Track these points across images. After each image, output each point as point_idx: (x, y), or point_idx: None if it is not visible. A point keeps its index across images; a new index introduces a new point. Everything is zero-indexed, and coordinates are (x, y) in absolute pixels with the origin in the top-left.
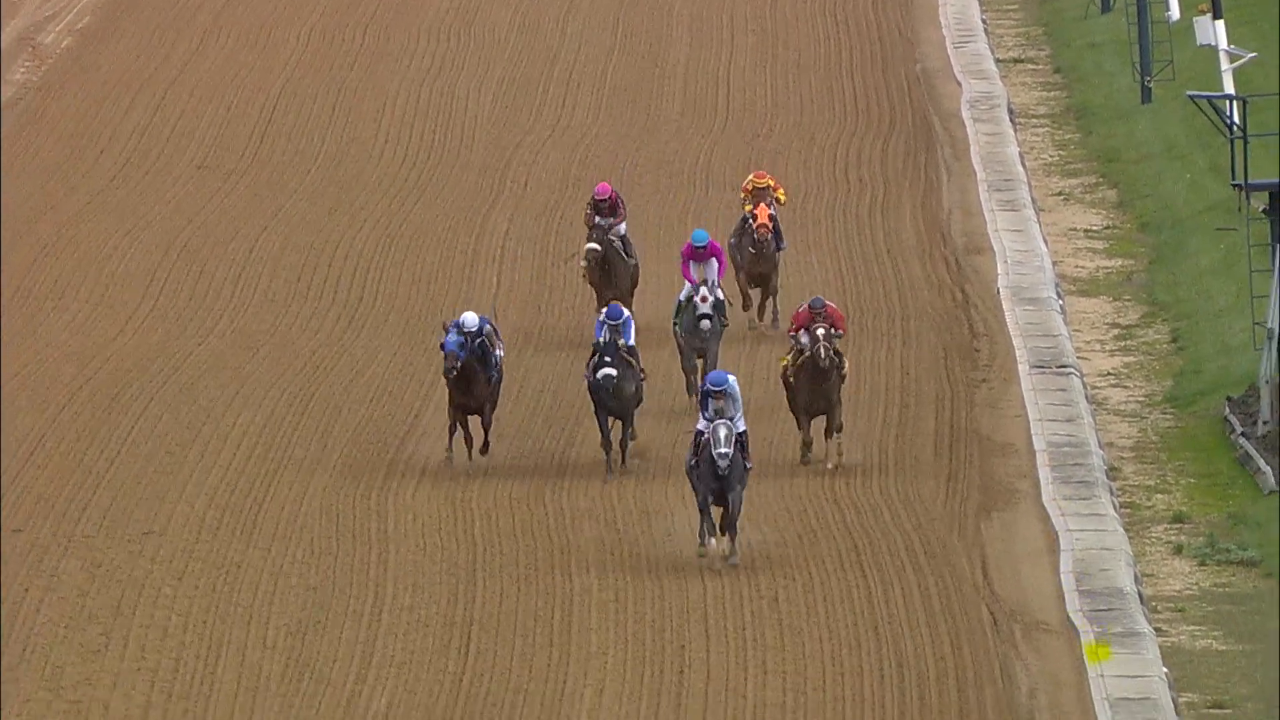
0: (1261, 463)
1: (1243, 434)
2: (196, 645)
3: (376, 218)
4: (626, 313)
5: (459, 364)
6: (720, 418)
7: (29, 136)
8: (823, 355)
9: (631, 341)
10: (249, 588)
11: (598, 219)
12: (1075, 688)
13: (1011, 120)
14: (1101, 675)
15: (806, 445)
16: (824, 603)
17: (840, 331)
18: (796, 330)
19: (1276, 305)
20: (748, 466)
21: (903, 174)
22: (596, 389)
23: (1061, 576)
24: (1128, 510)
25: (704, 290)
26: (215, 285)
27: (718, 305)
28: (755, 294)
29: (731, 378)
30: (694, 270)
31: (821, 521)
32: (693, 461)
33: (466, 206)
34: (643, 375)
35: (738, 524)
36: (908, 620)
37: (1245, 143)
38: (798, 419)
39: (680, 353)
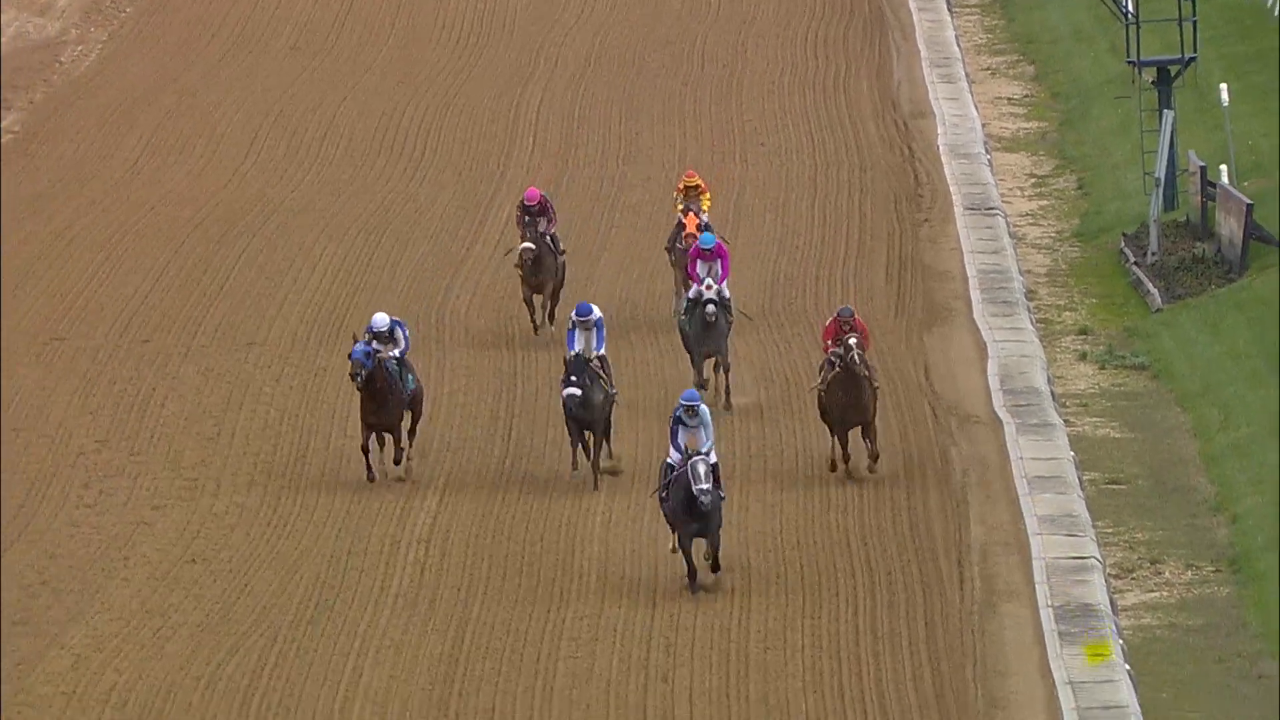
0: (1150, 286)
1: (1135, 263)
2: (291, 434)
3: (435, 90)
4: (597, 311)
5: (363, 371)
6: (693, 447)
7: (157, 21)
8: (856, 363)
9: (603, 346)
10: (333, 387)
11: (529, 221)
12: (999, 468)
13: (949, 9)
14: (1021, 458)
15: (842, 459)
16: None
17: (867, 346)
18: (828, 342)
19: (1162, 159)
20: (721, 497)
21: (860, 53)
22: (568, 406)
23: (989, 378)
24: (1042, 325)
25: (709, 281)
26: (305, 144)
27: (723, 305)
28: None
29: (704, 405)
30: (701, 269)
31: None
32: (663, 494)
33: (507, 81)
34: (614, 391)
35: (719, 558)
36: None
37: (1138, 27)
38: (833, 433)
39: (689, 353)
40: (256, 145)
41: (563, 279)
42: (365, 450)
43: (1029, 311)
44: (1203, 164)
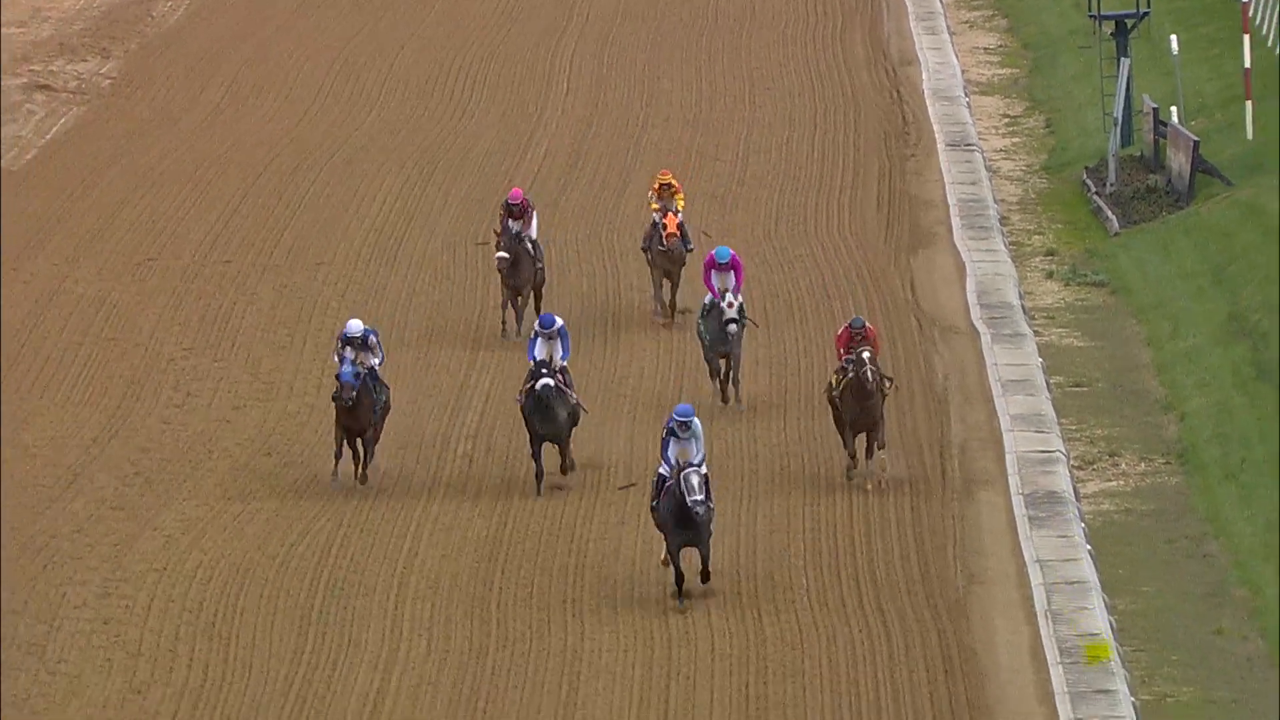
0: (1109, 213)
1: (1095, 193)
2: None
3: (481, 41)
4: (559, 321)
5: (353, 394)
6: (684, 457)
7: None
8: (870, 379)
9: (567, 356)
10: (391, 302)
11: (509, 221)
12: (976, 373)
13: None
14: (995, 364)
15: (853, 458)
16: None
17: (878, 354)
18: (841, 350)
19: (1119, 101)
20: (711, 509)
21: (855, 10)
22: (530, 413)
23: (967, 294)
24: (1014, 247)
25: (729, 297)
26: (366, 89)
27: (741, 311)
28: (665, 287)
29: (696, 419)
30: (715, 280)
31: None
32: (655, 504)
33: (544, 33)
34: (582, 406)
35: (709, 569)
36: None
37: None
38: (843, 436)
39: (704, 352)
40: (323, 90)
41: (542, 280)
42: (337, 455)
43: (1003, 235)
44: (1155, 106)
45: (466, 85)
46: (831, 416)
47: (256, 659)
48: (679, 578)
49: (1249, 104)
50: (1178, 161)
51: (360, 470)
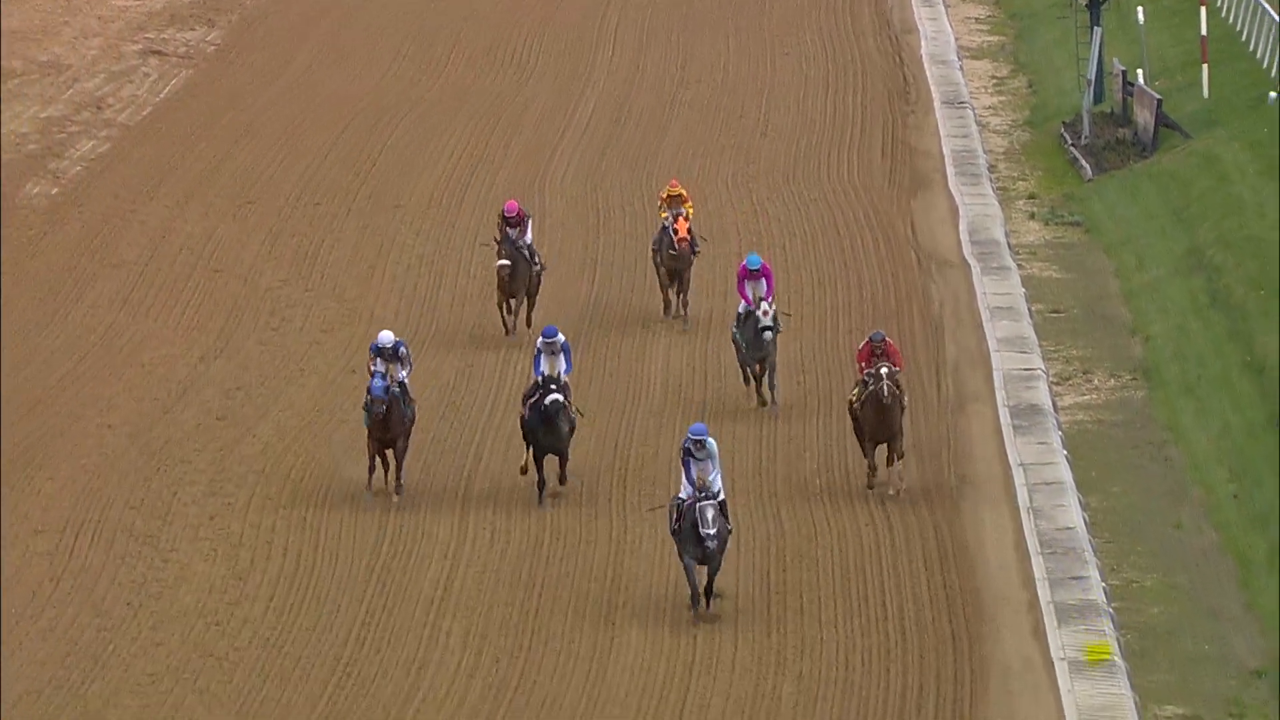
0: (1083, 162)
1: (1071, 145)
2: (428, 275)
3: (536, 13)
4: (562, 336)
5: (384, 407)
6: (702, 478)
7: None
8: (885, 395)
9: (570, 370)
10: (461, 239)
11: (508, 230)
12: (968, 301)
13: None
14: (984, 293)
15: (872, 470)
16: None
17: (899, 368)
18: (862, 364)
19: (1093, 64)
20: (729, 529)
21: None
22: (535, 426)
23: (959, 233)
24: (1000, 191)
25: (764, 306)
26: (436, 54)
27: (775, 319)
28: (673, 289)
29: (711, 439)
30: (749, 288)
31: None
32: (675, 526)
33: (592, 5)
34: (579, 413)
35: (713, 585)
36: (868, 255)
37: None
38: (863, 446)
39: (739, 358)
40: (400, 55)
41: (538, 286)
42: (371, 469)
43: (990, 181)
44: (1123, 68)
45: (523, 51)
46: (852, 428)
47: (342, 548)
48: (695, 596)
49: (1205, 67)
50: (1143, 117)
51: (396, 481)
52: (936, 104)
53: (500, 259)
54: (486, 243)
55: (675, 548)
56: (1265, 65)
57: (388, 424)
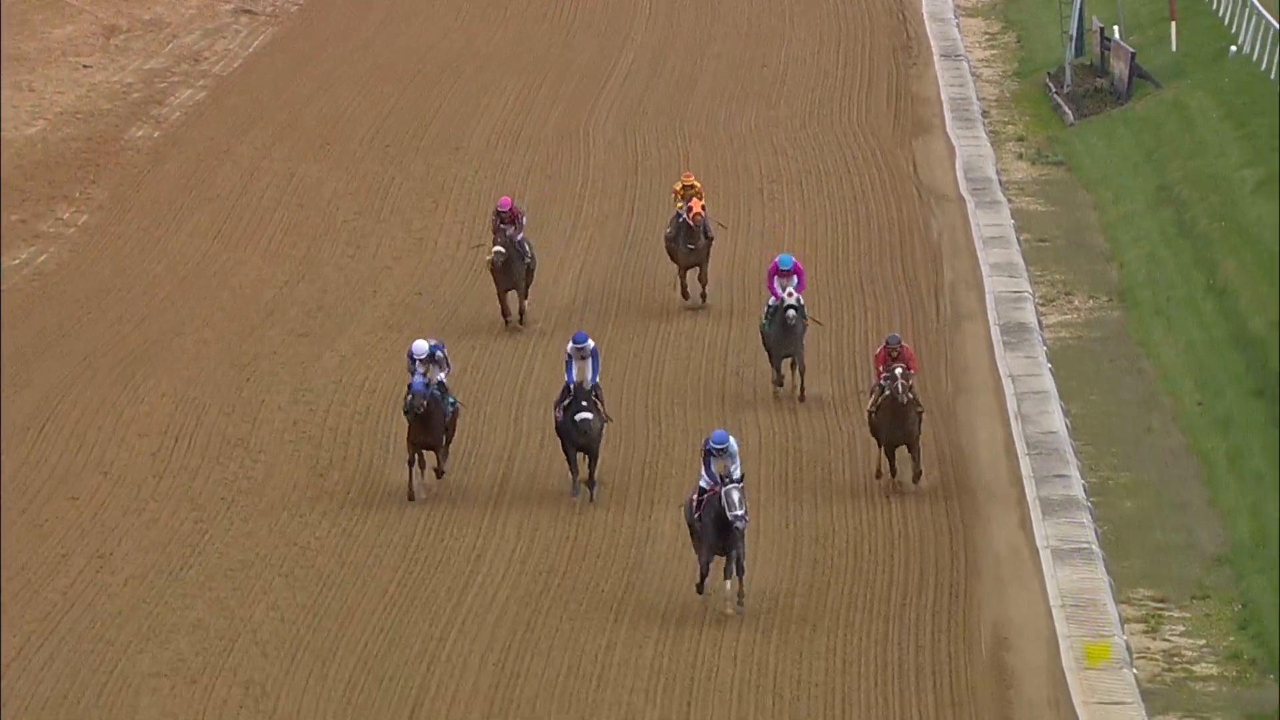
0: (1065, 109)
1: (1055, 93)
2: (485, 209)
3: None
4: (592, 342)
5: (424, 404)
6: (725, 476)
7: None
8: (900, 393)
9: (598, 375)
10: (513, 178)
11: (501, 225)
12: (963, 231)
13: None
14: (978, 224)
15: (893, 472)
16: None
17: (913, 371)
18: (879, 367)
19: (1074, 22)
20: (747, 520)
21: None
22: (566, 430)
23: (956, 171)
24: (992, 134)
25: (790, 288)
26: (492, 14)
27: (799, 313)
28: (690, 276)
29: (732, 438)
30: (779, 285)
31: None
32: (695, 515)
33: None
34: (608, 418)
35: (744, 566)
36: (875, 191)
37: None
38: (880, 447)
39: (768, 353)
40: (460, 14)
41: (530, 279)
42: (410, 466)
43: (983, 125)
44: (1102, 25)
45: (570, 12)
46: (870, 431)
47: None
48: (705, 576)
49: (1173, 24)
50: (1119, 68)
51: (437, 470)
52: (935, 57)
53: (496, 245)
54: (479, 244)
55: (692, 538)
56: (1226, 23)
57: (428, 424)
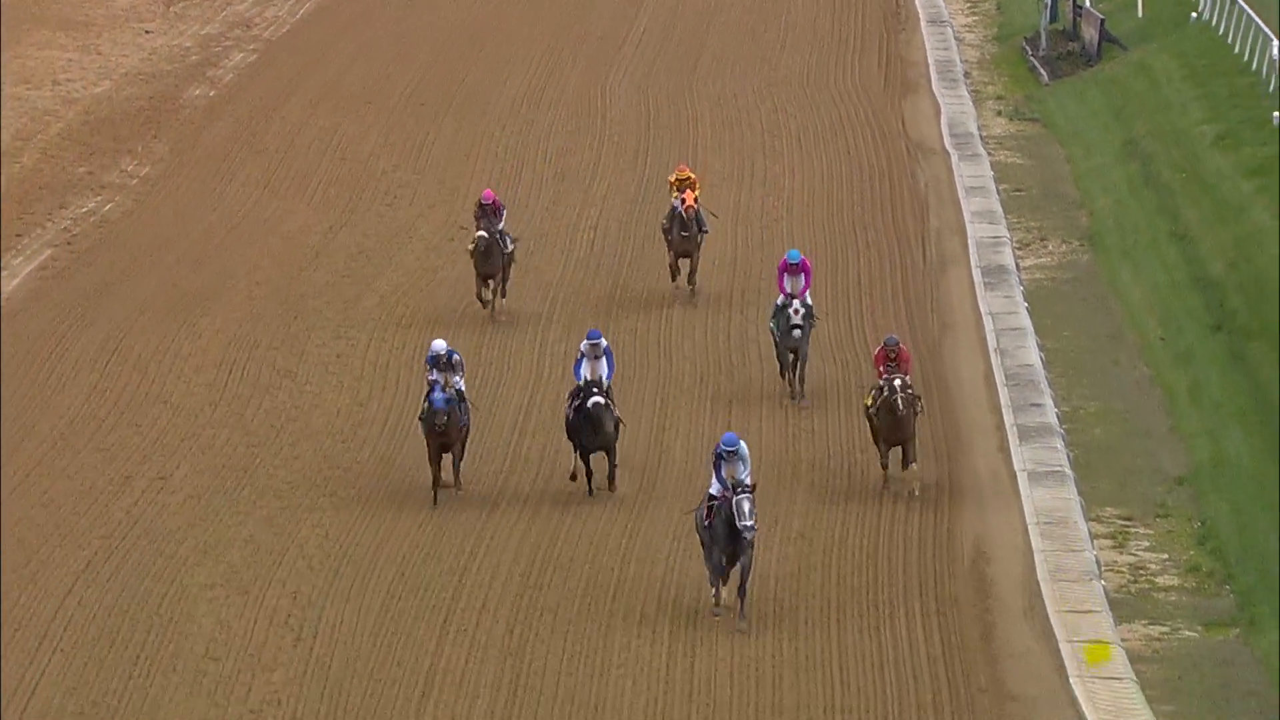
0: (1041, 70)
1: (1032, 56)
2: (512, 160)
3: None
4: (605, 341)
5: (447, 419)
6: (736, 483)
7: None
8: (900, 407)
9: (612, 375)
10: (538, 134)
11: (484, 216)
12: (948, 182)
13: None
14: (961, 176)
15: (885, 468)
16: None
17: (908, 374)
18: (880, 368)
19: None
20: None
21: None
22: (577, 428)
23: (941, 126)
24: (974, 93)
25: (796, 304)
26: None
27: (807, 316)
28: (683, 265)
29: (742, 442)
30: (787, 282)
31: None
32: (706, 523)
33: None
34: (621, 422)
35: (748, 585)
36: (867, 145)
37: None
38: (878, 447)
39: (775, 348)
40: None
41: (509, 267)
42: (435, 478)
43: (966, 85)
44: None
45: None
46: (869, 430)
47: None
48: (719, 589)
49: None
50: (1090, 33)
51: (455, 480)
52: (922, 23)
53: (479, 231)
54: (464, 226)
55: (702, 549)
56: None
57: (447, 433)
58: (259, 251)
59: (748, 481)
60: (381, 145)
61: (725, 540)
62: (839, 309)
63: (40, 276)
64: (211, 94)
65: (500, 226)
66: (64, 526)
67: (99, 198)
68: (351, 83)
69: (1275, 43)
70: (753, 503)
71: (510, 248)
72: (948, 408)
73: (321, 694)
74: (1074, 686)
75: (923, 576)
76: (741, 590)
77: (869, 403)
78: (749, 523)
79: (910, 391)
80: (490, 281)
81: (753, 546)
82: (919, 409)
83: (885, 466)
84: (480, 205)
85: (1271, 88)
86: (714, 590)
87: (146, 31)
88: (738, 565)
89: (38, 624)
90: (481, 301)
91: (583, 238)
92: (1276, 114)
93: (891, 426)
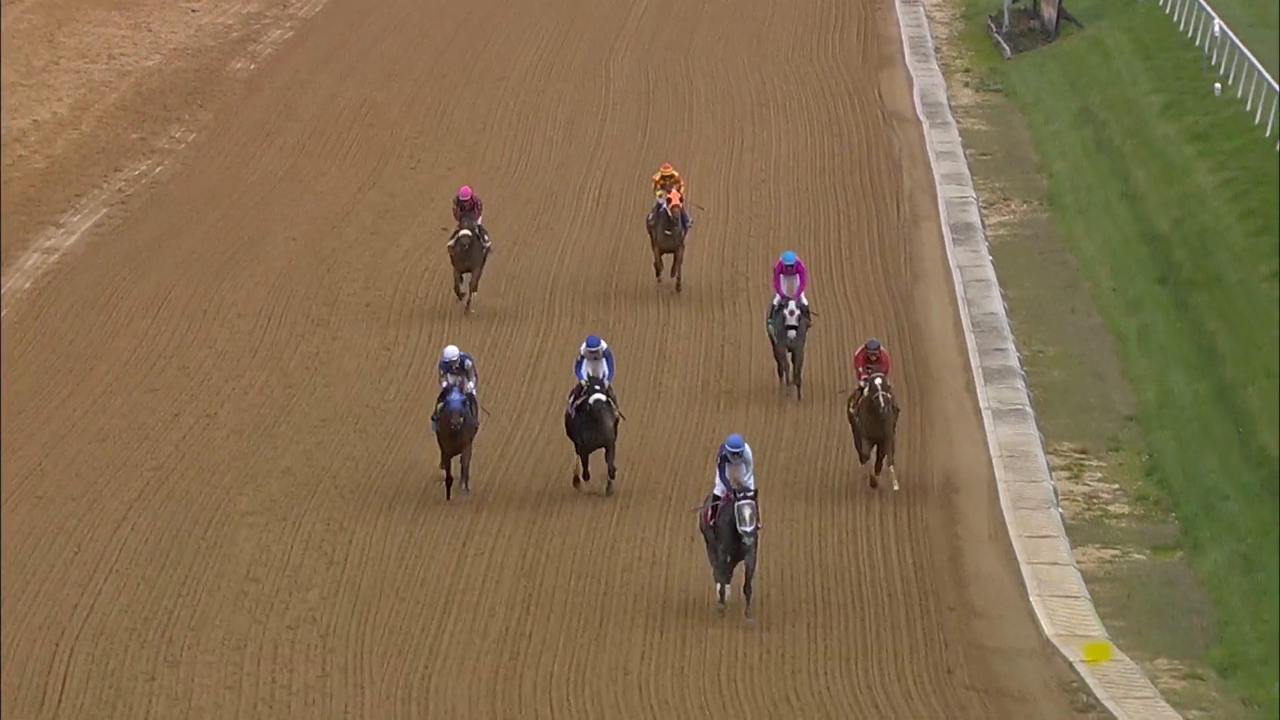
0: (1004, 45)
1: (996, 32)
2: (526, 130)
3: None
4: (604, 344)
5: (462, 419)
6: (739, 486)
7: None
8: (881, 405)
9: (612, 376)
10: (550, 103)
11: (463, 213)
12: (920, 146)
13: None
14: (932, 142)
15: (864, 461)
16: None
17: (887, 374)
18: (860, 369)
19: None
20: (759, 531)
21: None
22: (578, 426)
23: (914, 97)
24: (944, 66)
25: (792, 305)
26: None
27: (802, 317)
28: (666, 260)
29: (746, 445)
30: (783, 283)
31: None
32: (710, 523)
33: None
34: (621, 416)
35: (753, 584)
36: (846, 113)
37: None
38: (859, 445)
39: (773, 347)
40: None
41: (485, 261)
42: (448, 479)
43: (936, 59)
44: None
45: None
46: (851, 429)
47: (464, 325)
48: (722, 588)
49: None
50: (1048, 12)
51: (464, 483)
52: (896, 2)
53: (462, 229)
54: (445, 227)
55: (706, 547)
56: None
57: (460, 435)
58: (295, 210)
59: (750, 485)
60: (405, 114)
61: (730, 542)
62: (820, 265)
63: (96, 233)
64: (252, 67)
65: (479, 222)
66: (118, 460)
67: (150, 161)
68: (379, 57)
69: (1216, 21)
70: (754, 508)
71: (488, 244)
72: (920, 352)
73: (352, 610)
74: (1034, 604)
75: (896, 504)
76: (746, 589)
77: (849, 403)
78: (749, 528)
79: (890, 393)
80: (467, 276)
81: (755, 548)
82: (898, 408)
83: (865, 458)
84: (459, 202)
85: (1213, 61)
86: (718, 588)
87: (193, 10)
88: (742, 564)
89: (95, 547)
90: (458, 294)
91: (589, 197)
92: (1217, 85)
93: (872, 425)
